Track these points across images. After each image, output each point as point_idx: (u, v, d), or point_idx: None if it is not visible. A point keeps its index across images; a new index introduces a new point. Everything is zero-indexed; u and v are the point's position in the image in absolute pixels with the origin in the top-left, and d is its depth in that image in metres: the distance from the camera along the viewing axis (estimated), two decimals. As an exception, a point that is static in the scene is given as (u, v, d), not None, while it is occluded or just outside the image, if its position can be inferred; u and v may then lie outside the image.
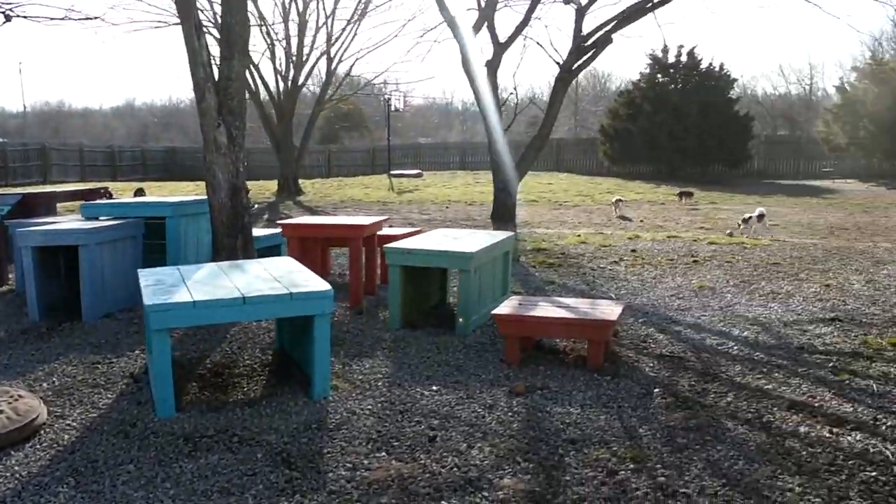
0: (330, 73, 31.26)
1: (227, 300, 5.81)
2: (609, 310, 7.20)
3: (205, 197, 9.65)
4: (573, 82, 64.92)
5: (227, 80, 9.21)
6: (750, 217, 16.39)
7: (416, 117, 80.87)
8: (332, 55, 30.70)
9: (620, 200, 21.58)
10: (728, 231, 16.31)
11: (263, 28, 29.69)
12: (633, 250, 13.34)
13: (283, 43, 30.32)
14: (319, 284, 6.23)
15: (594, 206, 22.64)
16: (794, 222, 18.64)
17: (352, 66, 34.85)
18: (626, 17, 12.24)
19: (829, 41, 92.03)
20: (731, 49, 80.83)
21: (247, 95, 28.23)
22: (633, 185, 30.58)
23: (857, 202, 24.95)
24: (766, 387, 6.56)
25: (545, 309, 7.29)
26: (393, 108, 35.04)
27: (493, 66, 12.47)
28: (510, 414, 5.87)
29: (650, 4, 12.29)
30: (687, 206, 22.60)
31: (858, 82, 36.42)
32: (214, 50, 10.61)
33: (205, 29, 9.78)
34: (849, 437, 5.54)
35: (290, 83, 29.84)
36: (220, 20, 10.11)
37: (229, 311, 5.89)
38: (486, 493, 4.62)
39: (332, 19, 30.27)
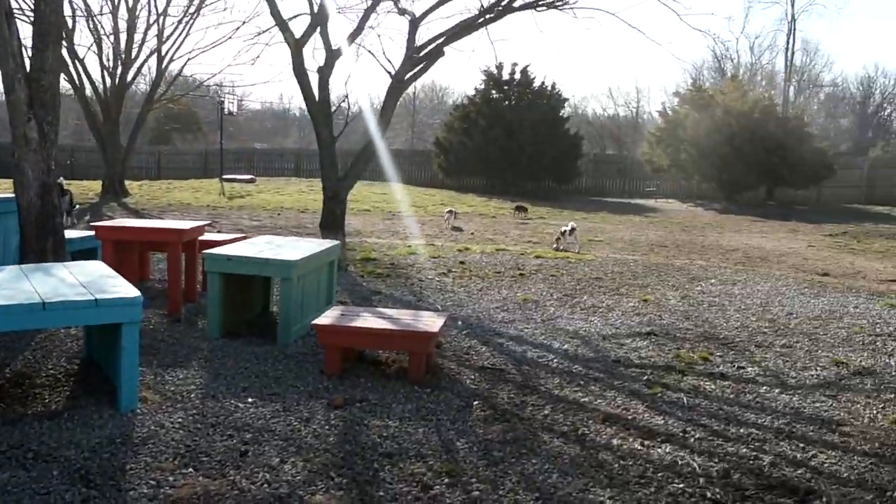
0: (160, 71, 30.14)
1: (25, 306, 5.39)
2: (431, 321, 7.14)
3: (12, 195, 9.01)
4: (412, 94, 64.91)
5: (40, 72, 8.63)
6: (564, 230, 17.10)
7: (252, 122, 79.29)
8: (163, 53, 29.62)
9: (453, 212, 21.79)
10: (554, 245, 16.71)
11: (90, 21, 28.32)
12: (462, 262, 13.43)
13: (111, 38, 29.02)
14: (128, 291, 5.88)
15: (427, 218, 22.77)
16: (618, 238, 19.30)
17: (183, 66, 33.75)
18: (457, 31, 12.33)
19: (654, 67, 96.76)
20: (563, 70, 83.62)
21: (70, 91, 26.94)
22: (467, 198, 30.99)
23: (677, 221, 26.15)
24: (582, 399, 6.67)
25: (367, 320, 7.17)
26: (226, 111, 34.12)
27: (324, 73, 12.28)
28: (327, 427, 5.71)
29: (481, 20, 12.42)
30: (518, 220, 23.07)
31: (680, 107, 38.28)
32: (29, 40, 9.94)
33: (16, 16, 9.14)
34: (659, 450, 5.68)
35: (117, 80, 28.58)
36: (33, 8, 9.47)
37: (28, 318, 5.46)
38: (295, 511, 4.45)
39: (164, 17, 29.20)
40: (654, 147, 37.79)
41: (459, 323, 9.08)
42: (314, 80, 12.37)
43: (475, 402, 6.41)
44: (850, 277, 14.13)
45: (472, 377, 7.11)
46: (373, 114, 13.71)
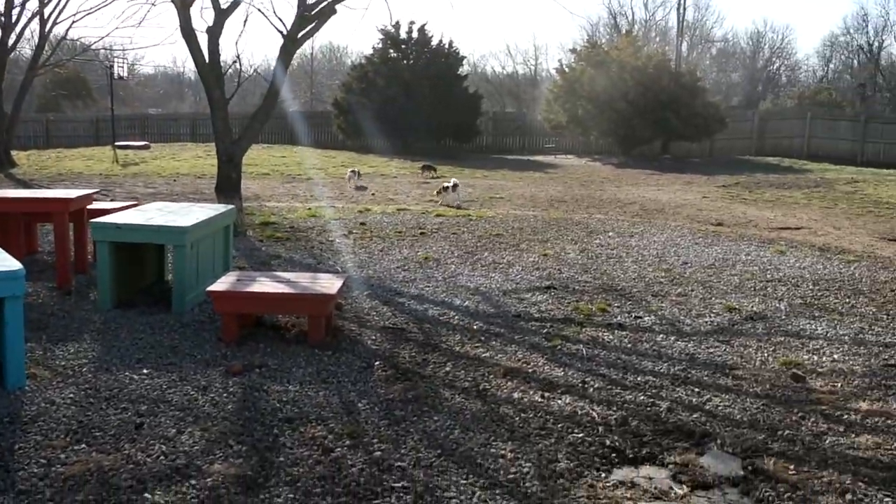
0: (44, 35, 28.83)
1: None
2: (329, 283, 7.06)
3: None
4: (308, 55, 63.74)
5: None
6: (447, 186, 17.44)
7: (146, 87, 76.85)
8: (45, 16, 28.34)
9: (356, 172, 21.57)
10: (456, 204, 16.70)
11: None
12: (363, 223, 13.32)
13: (-12, 1, 27.60)
14: (9, 263, 5.63)
15: (328, 180, 22.51)
16: (518, 195, 19.43)
17: (68, 29, 32.47)
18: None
19: (552, 24, 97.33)
20: (460, 28, 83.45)
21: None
22: (368, 159, 30.73)
23: (576, 176, 26.45)
24: (483, 355, 6.69)
25: (264, 284, 7.04)
26: (116, 76, 32.97)
27: (213, 33, 11.90)
28: (225, 395, 5.60)
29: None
30: (422, 180, 22.96)
31: (576, 64, 38.60)
32: None
33: None
34: (559, 401, 5.75)
35: (-4, 45, 27.26)
36: None
37: None
38: (193, 482, 4.34)
39: (45, -22, 27.86)
40: (553, 104, 38.09)
41: (360, 284, 9.01)
42: (203, 41, 12.00)
43: (376, 363, 6.38)
44: (743, 226, 14.54)
45: (374, 337, 7.07)
46: (267, 74, 13.38)
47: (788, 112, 42.15)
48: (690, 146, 37.20)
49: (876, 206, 18.63)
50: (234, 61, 13.70)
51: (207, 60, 11.97)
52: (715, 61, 74.53)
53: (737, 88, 71.54)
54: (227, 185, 12.01)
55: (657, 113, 34.14)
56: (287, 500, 4.21)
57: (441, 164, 27.79)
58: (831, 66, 71.90)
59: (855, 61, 67.37)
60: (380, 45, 37.76)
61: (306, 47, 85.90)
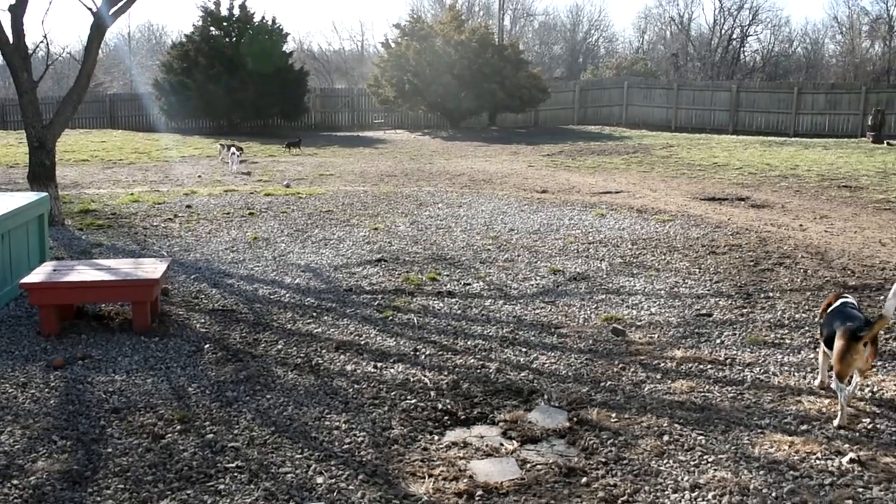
0: None
1: None
2: (153, 268, 6.86)
3: None
4: (126, 35, 61.05)
5: None
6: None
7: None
8: None
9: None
10: (286, 182, 16.49)
11: None
12: (189, 206, 12.98)
13: None
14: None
15: (151, 164, 21.73)
16: (349, 171, 19.36)
17: None
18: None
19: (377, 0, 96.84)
20: (284, 4, 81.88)
21: None
22: (193, 141, 29.83)
23: (406, 151, 26.56)
24: (315, 330, 6.69)
25: (82, 273, 6.78)
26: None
27: (17, 12, 11.24)
28: (47, 390, 5.38)
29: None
30: (251, 161, 22.43)
31: (401, 39, 38.68)
32: None
33: None
34: (392, 370, 5.83)
35: None
36: None
37: None
38: (16, 482, 4.18)
39: None
40: (380, 79, 38.00)
41: (188, 267, 8.80)
42: (6, 20, 11.31)
43: (206, 346, 6.27)
44: (566, 193, 15.04)
45: (203, 321, 6.94)
46: (79, 55, 12.75)
47: (607, 82, 43.65)
48: (516, 117, 38.08)
49: (689, 168, 19.65)
50: (42, 41, 12.99)
51: (11, 41, 11.30)
52: (537, 34, 76.36)
53: (559, 60, 73.58)
54: (41, 173, 11.43)
55: (482, 86, 34.68)
56: (117, 490, 4.11)
57: (271, 144, 27.37)
58: (646, 37, 75.01)
59: (668, 32, 70.45)
60: (200, 23, 36.60)
61: (122, 26, 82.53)
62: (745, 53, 63.77)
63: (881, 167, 18.99)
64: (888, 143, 25.80)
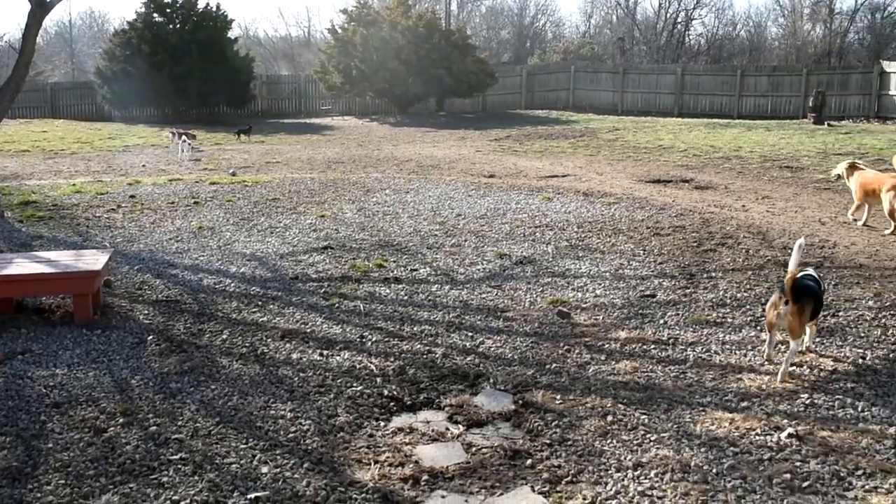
0: None
1: None
2: (94, 260, 6.76)
3: None
4: (67, 22, 59.81)
5: None
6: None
7: None
8: None
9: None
10: (231, 171, 16.33)
11: None
12: (133, 196, 12.78)
13: None
14: None
15: (93, 154, 21.36)
16: (296, 159, 19.21)
17: None
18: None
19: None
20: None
21: None
22: (137, 130, 29.36)
23: (354, 137, 26.43)
24: (261, 319, 6.65)
25: (20, 266, 6.65)
26: None
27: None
28: (-16, 386, 5.28)
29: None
30: (201, 149, 22.12)
31: (348, 25, 38.42)
32: None
33: None
34: (338, 357, 5.82)
35: None
36: None
37: None
38: (-48, 479, 4.09)
39: None
40: (327, 65, 37.70)
41: (131, 258, 8.68)
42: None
43: (150, 337, 6.20)
44: (513, 177, 15.09)
45: (146, 312, 6.86)
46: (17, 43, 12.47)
47: (554, 66, 43.81)
48: (464, 102, 38.06)
49: (635, 151, 19.83)
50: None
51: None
52: (484, 19, 76.35)
53: (506, 45, 73.64)
54: (-22, 165, 11.17)
55: (430, 71, 34.62)
56: (58, 486, 4.06)
57: (217, 132, 27.08)
58: (592, 21, 75.42)
59: (614, 16, 70.97)
60: (143, 10, 36.01)
61: (62, 13, 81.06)
62: (690, 37, 64.59)
63: (822, 148, 19.34)
64: (829, 125, 26.27)
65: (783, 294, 5.32)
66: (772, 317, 5.47)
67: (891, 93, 29.36)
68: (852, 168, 10.98)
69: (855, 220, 10.63)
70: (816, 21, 59.23)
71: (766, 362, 5.62)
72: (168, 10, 35.85)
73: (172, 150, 21.21)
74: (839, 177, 11.37)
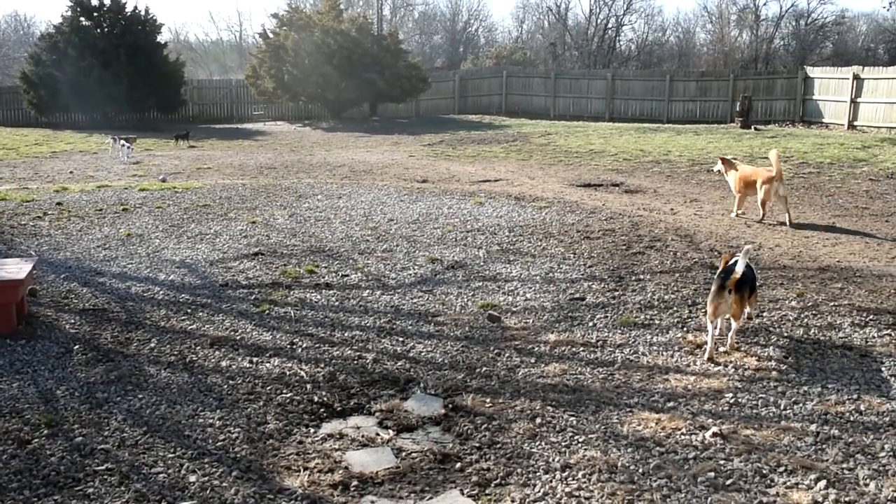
0: None
1: None
2: (17, 269, 6.63)
3: None
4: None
5: None
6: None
7: None
8: None
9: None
10: (161, 177, 16.10)
11: None
12: (60, 203, 12.53)
13: None
14: None
15: (19, 160, 20.86)
16: (227, 164, 19.01)
17: None
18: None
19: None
20: (157, -6, 79.44)
21: None
22: (64, 135, 28.77)
23: (286, 142, 26.22)
24: (190, 327, 6.59)
25: (-61, 276, 6.49)
26: None
27: None
28: None
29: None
30: (132, 157, 21.74)
31: (279, 29, 38.15)
32: None
33: None
34: (267, 364, 5.80)
35: None
36: None
37: None
38: None
39: None
40: (258, 70, 37.37)
41: (57, 267, 8.51)
42: None
43: (76, 347, 6.10)
44: (446, 182, 15.15)
45: (73, 321, 6.75)
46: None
47: (486, 71, 44.06)
48: (398, 107, 38.06)
49: (566, 155, 20.05)
50: None
51: None
52: (417, 24, 76.48)
53: (439, 50, 73.88)
54: None
55: (362, 76, 34.55)
56: (-21, 499, 3.98)
57: (147, 138, 26.66)
58: (525, 26, 76.06)
59: (546, 22, 71.65)
60: (70, 13, 35.32)
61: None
62: (621, 42, 65.48)
63: (748, 151, 19.78)
64: (755, 129, 26.87)
65: (725, 288, 5.70)
66: (713, 309, 5.79)
67: (815, 97, 30.11)
68: (727, 163, 11.98)
69: (739, 214, 11.49)
70: (743, 27, 60.61)
71: (707, 362, 5.77)
72: (95, 14, 35.23)
73: (113, 155, 20.88)
74: (720, 172, 12.39)
